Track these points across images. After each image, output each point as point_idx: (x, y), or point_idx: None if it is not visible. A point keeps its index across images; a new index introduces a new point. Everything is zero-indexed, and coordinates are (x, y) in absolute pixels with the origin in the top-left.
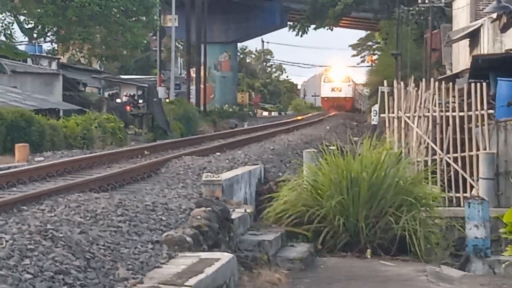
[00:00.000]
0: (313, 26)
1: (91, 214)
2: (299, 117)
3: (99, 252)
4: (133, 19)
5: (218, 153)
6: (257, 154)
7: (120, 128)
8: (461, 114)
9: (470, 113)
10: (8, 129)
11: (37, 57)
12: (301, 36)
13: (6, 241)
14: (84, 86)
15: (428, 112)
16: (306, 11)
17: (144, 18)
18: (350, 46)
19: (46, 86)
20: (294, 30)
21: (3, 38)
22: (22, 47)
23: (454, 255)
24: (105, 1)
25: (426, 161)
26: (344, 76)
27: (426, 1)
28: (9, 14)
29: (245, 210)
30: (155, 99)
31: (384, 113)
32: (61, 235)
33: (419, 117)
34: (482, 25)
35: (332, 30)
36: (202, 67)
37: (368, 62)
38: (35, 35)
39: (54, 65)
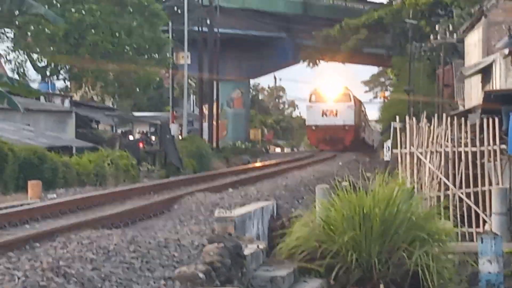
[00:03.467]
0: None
1: (103, 250)
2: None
3: None
4: (146, 56)
5: (231, 190)
6: (270, 190)
7: (132, 165)
8: (474, 149)
9: (482, 148)
10: (21, 166)
11: (50, 95)
12: (312, 67)
13: (19, 278)
14: (97, 123)
15: (441, 147)
16: (318, 46)
17: (156, 55)
18: (362, 82)
19: (59, 124)
20: (306, 63)
21: (17, 77)
22: (35, 85)
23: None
24: (117, 39)
25: (438, 197)
26: (342, 91)
27: (439, 38)
28: (22, 52)
29: (258, 246)
30: (168, 136)
31: (397, 148)
32: (73, 271)
33: (432, 152)
34: (494, 60)
35: (344, 64)
36: (214, 104)
37: (380, 98)
38: (48, 73)
39: (67, 103)
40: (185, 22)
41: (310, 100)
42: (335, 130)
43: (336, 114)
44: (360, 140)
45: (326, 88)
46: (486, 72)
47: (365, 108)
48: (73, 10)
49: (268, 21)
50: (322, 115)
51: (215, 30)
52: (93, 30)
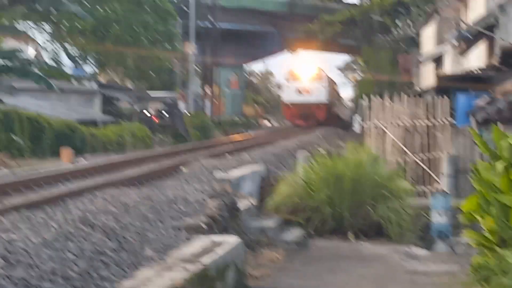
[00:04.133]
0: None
1: (123, 205)
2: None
3: (129, 236)
4: (159, 46)
5: (229, 155)
6: (260, 156)
7: (148, 136)
8: (428, 122)
9: (434, 121)
10: (56, 136)
11: (80, 78)
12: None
13: (54, 228)
14: (118, 101)
15: (400, 121)
16: (300, 38)
17: (168, 45)
18: (337, 68)
19: (87, 102)
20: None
21: (53, 63)
22: (68, 71)
23: (421, 238)
24: (136, 32)
25: (398, 162)
26: (315, 72)
27: (399, 31)
28: (57, 43)
29: (250, 202)
30: (176, 112)
31: (365, 122)
32: (98, 222)
33: (393, 125)
34: (445, 50)
35: (321, 52)
36: (215, 86)
37: (352, 80)
38: (78, 60)
39: (94, 85)
40: (192, 18)
41: (286, 79)
42: (309, 107)
43: (310, 92)
44: (335, 116)
45: (301, 68)
46: (438, 60)
47: (338, 88)
48: (99, 8)
49: (259, 18)
50: (297, 93)
51: (216, 25)
52: (116, 25)
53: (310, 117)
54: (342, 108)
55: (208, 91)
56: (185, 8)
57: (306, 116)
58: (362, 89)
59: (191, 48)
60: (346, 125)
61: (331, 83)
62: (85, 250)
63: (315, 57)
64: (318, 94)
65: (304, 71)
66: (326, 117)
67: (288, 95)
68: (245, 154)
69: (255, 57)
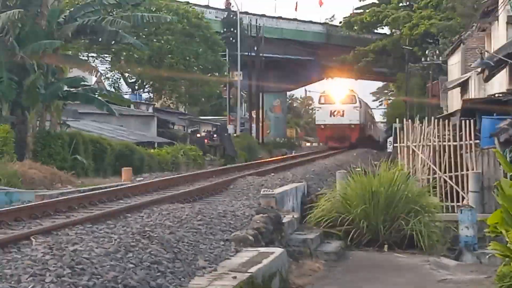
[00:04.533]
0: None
1: (177, 219)
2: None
3: (184, 247)
4: (209, 75)
5: (273, 174)
6: (302, 174)
7: (199, 156)
8: (455, 143)
9: (461, 142)
10: (117, 156)
11: (137, 103)
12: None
13: (115, 240)
14: (173, 124)
15: (430, 142)
16: (337, 66)
17: (217, 74)
18: (371, 93)
19: (144, 125)
20: (328, 79)
21: (113, 90)
22: (126, 97)
23: (450, 249)
24: (188, 61)
25: (428, 179)
26: (348, 94)
27: (428, 60)
28: (117, 72)
29: (293, 216)
30: (225, 134)
31: (397, 143)
32: (155, 235)
33: (423, 146)
34: (470, 77)
35: (356, 80)
36: (260, 110)
37: (384, 105)
38: (136, 87)
39: (150, 109)
40: (238, 49)
41: (319, 102)
42: (342, 128)
43: (343, 114)
44: (367, 137)
45: (333, 91)
46: (464, 86)
47: (371, 110)
48: (154, 40)
49: (299, 48)
50: (330, 115)
51: (260, 54)
52: (169, 55)
53: (343, 139)
54: (375, 130)
55: (253, 115)
56: (232, 39)
57: (339, 138)
58: (394, 112)
59: (238, 76)
60: (379, 146)
61: (364, 106)
62: (143, 260)
63: (349, 83)
64: (350, 116)
65: (337, 94)
66: (359, 138)
67: (321, 117)
68: (288, 172)
69: (296, 84)
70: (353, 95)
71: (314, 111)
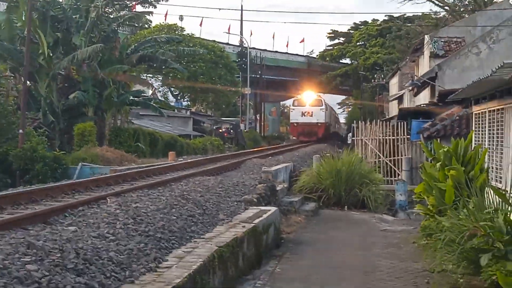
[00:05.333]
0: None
1: (205, 187)
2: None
3: (209, 206)
4: (228, 89)
5: (270, 157)
6: (289, 157)
7: (221, 144)
8: (393, 138)
9: (397, 137)
10: (165, 144)
11: (179, 108)
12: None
13: (163, 200)
14: (203, 123)
15: (376, 137)
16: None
17: (233, 88)
18: (337, 103)
19: (184, 123)
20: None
21: (163, 99)
22: (172, 104)
23: (389, 209)
24: (213, 80)
25: (375, 162)
26: (317, 99)
27: (376, 81)
28: (165, 87)
29: (283, 185)
30: (239, 130)
31: (354, 137)
32: (190, 197)
33: (372, 139)
34: (404, 93)
35: (327, 94)
36: (262, 114)
37: (346, 111)
38: (178, 97)
39: (188, 113)
40: (248, 72)
41: (293, 105)
42: (311, 126)
43: (312, 114)
44: (333, 133)
45: (304, 96)
46: (400, 99)
47: (337, 114)
48: (191, 65)
49: (289, 72)
50: (302, 115)
51: (263, 76)
52: (201, 76)
53: (312, 134)
54: (340, 128)
55: (258, 117)
56: (243, 65)
57: (308, 133)
58: (353, 116)
59: (247, 90)
60: (343, 139)
61: (330, 109)
62: (182, 214)
63: (322, 95)
64: (317, 116)
65: (307, 98)
66: (325, 134)
67: (294, 117)
68: (280, 156)
69: (286, 97)
70: (320, 99)
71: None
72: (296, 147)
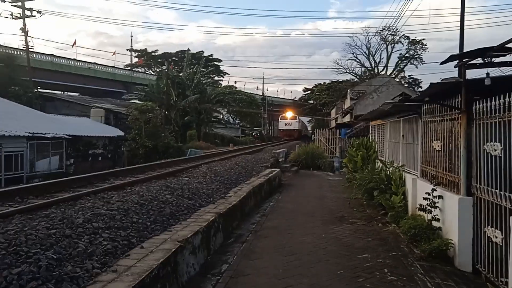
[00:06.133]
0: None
1: (247, 160)
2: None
3: (248, 169)
4: (256, 114)
5: (276, 146)
6: (285, 146)
7: (253, 141)
8: (333, 136)
9: (335, 136)
10: (228, 140)
11: (234, 124)
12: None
13: (227, 165)
14: (245, 130)
15: (325, 136)
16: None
17: (259, 114)
18: (307, 120)
19: (236, 130)
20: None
21: (229, 119)
22: (231, 121)
23: (331, 169)
24: (248, 112)
25: (324, 148)
26: (294, 115)
27: (324, 111)
28: (228, 114)
29: (283, 159)
30: (263, 133)
31: (315, 136)
32: (239, 164)
33: (323, 137)
34: (338, 116)
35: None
36: (271, 126)
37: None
38: (234, 118)
39: (238, 126)
40: (265, 108)
41: (280, 118)
42: (290, 131)
43: (291, 124)
44: (304, 135)
45: (286, 114)
46: (336, 119)
47: (305, 124)
48: (240, 104)
49: (283, 106)
50: (285, 125)
51: (272, 108)
52: (244, 109)
53: (291, 136)
54: (307, 132)
55: (269, 127)
56: (263, 104)
57: (289, 135)
58: (314, 127)
59: (265, 115)
60: (309, 139)
61: (302, 122)
62: (236, 172)
63: (296, 116)
64: (294, 125)
65: (288, 115)
66: (299, 136)
67: (281, 126)
68: (281, 145)
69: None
70: (295, 116)
71: (278, 123)
72: (287, 143)
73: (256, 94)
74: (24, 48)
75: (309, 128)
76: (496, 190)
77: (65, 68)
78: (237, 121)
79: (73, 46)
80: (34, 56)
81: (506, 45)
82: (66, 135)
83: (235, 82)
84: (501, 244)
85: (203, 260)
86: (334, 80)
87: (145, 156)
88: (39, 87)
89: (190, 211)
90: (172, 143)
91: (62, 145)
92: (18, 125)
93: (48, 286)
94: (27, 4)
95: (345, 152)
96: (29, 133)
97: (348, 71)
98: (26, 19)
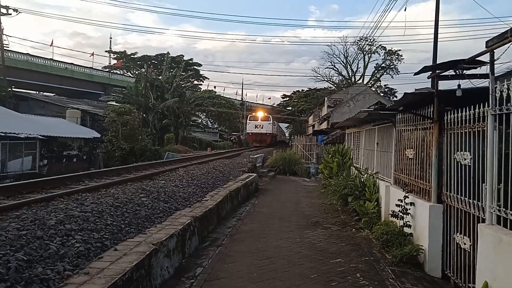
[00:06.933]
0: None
1: (224, 164)
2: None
3: (225, 173)
4: (235, 119)
5: (253, 151)
6: (262, 152)
7: (231, 145)
8: (310, 143)
9: (311, 143)
10: (206, 144)
11: (213, 128)
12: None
13: (203, 170)
14: (223, 135)
15: (302, 142)
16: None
17: (237, 119)
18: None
19: (215, 134)
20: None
21: (208, 124)
22: (210, 126)
23: (307, 176)
24: (227, 114)
25: (301, 154)
26: (266, 115)
27: (302, 117)
28: (206, 117)
29: (260, 164)
30: (241, 137)
31: (292, 142)
32: (217, 169)
33: (300, 144)
34: (315, 123)
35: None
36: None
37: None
38: (212, 122)
39: (216, 130)
40: (245, 111)
41: (249, 119)
42: (262, 135)
43: (262, 127)
44: (281, 141)
45: (257, 114)
46: (313, 126)
47: (281, 127)
48: (219, 108)
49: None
50: (255, 127)
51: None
52: (223, 114)
53: (262, 141)
54: (284, 138)
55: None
56: (242, 108)
57: (259, 141)
58: (292, 133)
59: (244, 120)
60: (286, 144)
61: (277, 125)
62: (214, 176)
63: (269, 115)
64: (266, 128)
65: (259, 115)
66: (272, 141)
67: (250, 128)
68: (258, 151)
69: None
70: (268, 116)
71: (246, 125)
72: (266, 148)
73: (236, 99)
74: None
75: (286, 134)
76: (465, 198)
77: (41, 67)
78: (215, 126)
79: (51, 45)
80: (9, 54)
81: (476, 58)
82: (40, 135)
83: (215, 87)
84: (469, 250)
85: (177, 263)
86: (312, 88)
87: (121, 158)
88: (13, 86)
89: (166, 214)
90: (149, 146)
91: (36, 145)
92: None
93: None
94: (3, 2)
95: (321, 158)
96: (1, 132)
97: (326, 79)
98: (1, 17)
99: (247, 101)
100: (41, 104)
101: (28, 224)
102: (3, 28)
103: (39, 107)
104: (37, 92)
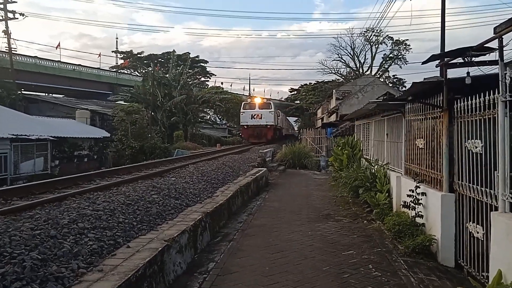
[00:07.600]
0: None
1: (234, 159)
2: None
3: (235, 168)
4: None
5: (262, 145)
6: (272, 146)
7: (240, 141)
8: (319, 136)
9: (321, 136)
10: (215, 140)
11: (221, 124)
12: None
13: (214, 165)
14: (232, 130)
15: (312, 135)
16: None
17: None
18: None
19: (223, 131)
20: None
21: (217, 120)
22: (218, 121)
23: (318, 169)
24: (236, 111)
25: (311, 147)
26: (265, 102)
27: (310, 111)
28: (215, 114)
29: (269, 158)
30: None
31: (301, 135)
32: (227, 164)
33: (310, 137)
34: (324, 115)
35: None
36: None
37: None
38: (220, 119)
39: (225, 126)
40: None
41: (243, 108)
42: (260, 128)
43: (261, 117)
44: (290, 134)
45: (254, 100)
46: (322, 119)
47: (288, 120)
48: (226, 104)
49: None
50: (251, 118)
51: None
52: (231, 109)
53: (261, 136)
54: (293, 131)
55: None
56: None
57: (257, 136)
58: (301, 126)
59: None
60: (295, 138)
61: (282, 115)
62: (224, 172)
63: (269, 102)
64: (267, 118)
65: (256, 102)
66: (274, 136)
67: (245, 120)
68: (268, 145)
69: None
70: (269, 103)
71: (240, 115)
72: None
73: (243, 94)
74: (7, 51)
75: (295, 128)
76: (477, 187)
77: (49, 70)
78: (224, 122)
79: (57, 48)
80: (18, 58)
81: (485, 45)
82: (51, 136)
83: (222, 83)
84: (482, 239)
85: (190, 259)
86: (319, 81)
87: (131, 157)
88: (22, 89)
89: (177, 211)
90: (158, 143)
91: (47, 146)
92: (1, 127)
93: (32, 286)
94: (10, 7)
95: (331, 151)
96: (13, 135)
97: (334, 72)
98: (8, 21)
99: (255, 96)
100: (51, 106)
101: (41, 223)
102: (10, 32)
103: (48, 109)
104: (46, 94)
